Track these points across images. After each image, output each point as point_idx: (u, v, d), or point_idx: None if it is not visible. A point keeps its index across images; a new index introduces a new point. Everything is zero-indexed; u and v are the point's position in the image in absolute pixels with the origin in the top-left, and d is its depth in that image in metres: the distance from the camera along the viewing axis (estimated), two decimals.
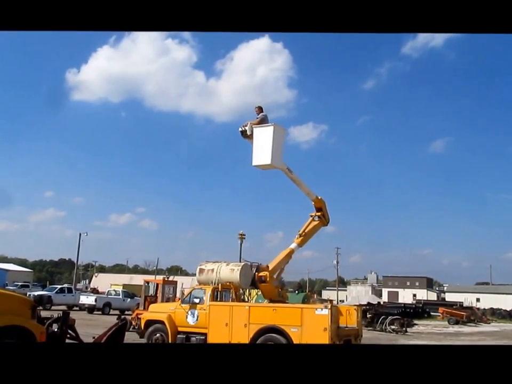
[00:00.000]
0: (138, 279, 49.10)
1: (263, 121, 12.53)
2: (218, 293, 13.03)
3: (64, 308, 28.03)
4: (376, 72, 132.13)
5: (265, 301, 13.56)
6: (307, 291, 46.65)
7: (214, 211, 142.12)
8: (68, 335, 8.05)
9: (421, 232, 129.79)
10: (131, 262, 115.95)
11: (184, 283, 30.08)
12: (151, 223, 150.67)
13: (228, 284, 13.03)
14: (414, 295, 78.06)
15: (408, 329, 26.58)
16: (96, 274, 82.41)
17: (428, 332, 27.93)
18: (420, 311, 44.15)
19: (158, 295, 21.02)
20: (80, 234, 54.45)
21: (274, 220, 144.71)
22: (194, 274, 15.55)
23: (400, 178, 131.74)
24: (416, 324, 31.63)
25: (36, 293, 26.69)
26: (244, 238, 41.54)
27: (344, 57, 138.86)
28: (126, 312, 26.33)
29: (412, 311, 41.05)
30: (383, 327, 26.51)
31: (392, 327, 26.35)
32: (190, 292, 13.42)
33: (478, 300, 67.97)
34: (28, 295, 13.82)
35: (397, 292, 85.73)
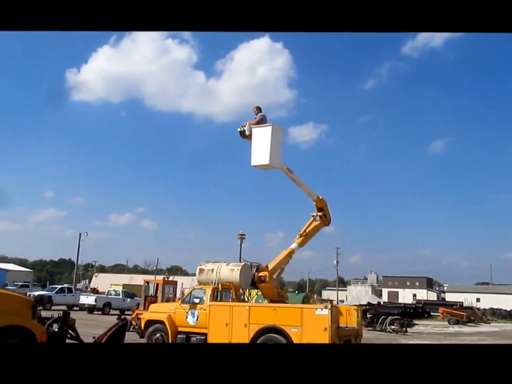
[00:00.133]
0: (138, 279, 49.10)
1: (261, 121, 12.53)
2: (218, 293, 13.02)
3: (64, 308, 28.03)
4: (376, 72, 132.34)
5: (265, 301, 13.56)
6: (307, 291, 46.61)
7: (214, 211, 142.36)
8: (68, 335, 8.05)
9: (421, 232, 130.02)
10: (131, 262, 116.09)
11: (184, 283, 30.08)
12: (151, 223, 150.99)
13: (227, 284, 13.03)
14: (414, 295, 78.03)
15: (408, 329, 26.57)
16: (96, 274, 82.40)
17: (428, 332, 27.92)
18: (420, 311, 44.12)
19: (158, 295, 21.01)
20: (80, 234, 54.54)
21: (274, 220, 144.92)
22: (194, 274, 15.54)
23: (400, 178, 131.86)
24: (416, 324, 31.62)
25: (36, 293, 26.65)
26: (244, 238, 41.56)
27: (344, 58, 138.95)
28: (126, 312, 26.32)
29: (412, 311, 41.03)
30: (383, 327, 26.51)
31: (392, 327, 26.35)
32: (190, 292, 13.42)
33: (478, 300, 67.94)
34: (27, 295, 13.81)
35: (397, 292, 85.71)
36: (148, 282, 22.66)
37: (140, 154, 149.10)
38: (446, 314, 40.01)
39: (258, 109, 12.90)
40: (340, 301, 69.91)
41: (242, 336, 11.37)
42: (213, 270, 13.21)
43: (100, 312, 30.90)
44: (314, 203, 14.13)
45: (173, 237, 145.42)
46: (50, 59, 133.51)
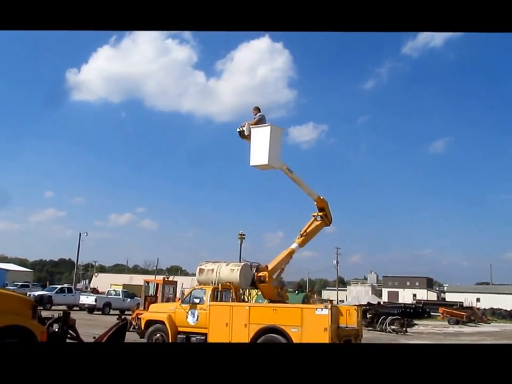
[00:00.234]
0: (138, 279, 49.12)
1: (260, 121, 12.54)
2: (218, 293, 13.03)
3: (64, 308, 28.03)
4: (376, 72, 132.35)
5: (265, 301, 13.56)
6: (307, 291, 46.63)
7: (214, 211, 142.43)
8: (69, 335, 8.05)
9: (421, 232, 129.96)
10: (131, 262, 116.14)
11: (184, 283, 30.07)
12: (151, 223, 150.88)
13: (227, 284, 13.04)
14: (414, 295, 78.03)
15: (408, 329, 26.57)
16: (96, 274, 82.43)
17: (428, 332, 27.92)
18: (420, 311, 44.11)
19: (158, 295, 21.02)
20: (80, 234, 54.55)
21: (274, 220, 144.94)
22: (194, 274, 15.54)
23: (400, 178, 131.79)
24: (416, 324, 31.62)
25: (36, 293, 26.65)
26: (244, 238, 41.55)
27: (344, 58, 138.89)
28: (126, 312, 26.32)
29: (412, 311, 41.02)
30: (383, 327, 26.51)
31: (392, 327, 26.35)
32: (190, 292, 13.42)
33: (478, 299, 67.95)
34: (28, 295, 13.81)
35: (397, 292, 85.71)
36: (148, 282, 22.66)
37: (140, 154, 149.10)
38: (446, 314, 40.01)
39: (257, 109, 12.91)
40: (340, 301, 69.91)
41: (242, 336, 11.37)
42: (213, 270, 13.22)
43: (100, 312, 30.91)
44: (315, 203, 14.13)
45: (173, 237, 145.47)
46: (51, 59, 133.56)
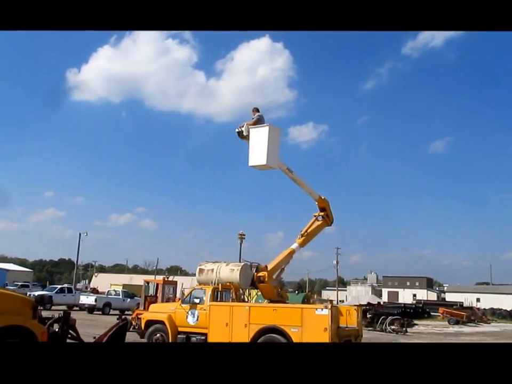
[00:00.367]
0: (138, 279, 49.17)
1: (259, 121, 12.52)
2: (219, 293, 13.02)
3: (64, 308, 28.02)
4: (376, 72, 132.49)
5: (265, 301, 13.55)
6: (307, 291, 46.60)
7: (214, 211, 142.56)
8: (69, 335, 8.04)
9: (421, 232, 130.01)
10: (131, 262, 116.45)
11: (184, 283, 30.08)
12: (151, 223, 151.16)
13: (227, 284, 13.03)
14: (414, 295, 78.04)
15: (408, 329, 26.56)
16: (96, 274, 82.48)
17: (428, 332, 27.92)
18: (420, 311, 44.11)
19: (158, 295, 21.01)
20: (80, 234, 54.57)
21: (274, 220, 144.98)
22: (194, 274, 15.53)
23: (400, 178, 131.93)
24: (416, 324, 31.61)
25: (37, 293, 26.64)
26: (244, 238, 41.57)
27: (344, 58, 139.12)
28: (126, 312, 26.32)
29: (412, 311, 41.02)
30: (383, 327, 26.50)
31: (392, 327, 26.35)
32: (190, 292, 13.41)
33: (478, 300, 67.96)
34: (28, 295, 13.81)
35: (397, 292, 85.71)
36: (148, 282, 22.65)
37: (140, 154, 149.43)
38: (446, 314, 40.01)
39: (256, 110, 12.90)
40: (340, 301, 69.93)
41: (242, 336, 11.36)
42: (212, 270, 13.21)
43: (100, 312, 30.90)
44: (316, 203, 14.12)
45: (173, 237, 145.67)
46: (51, 59, 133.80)
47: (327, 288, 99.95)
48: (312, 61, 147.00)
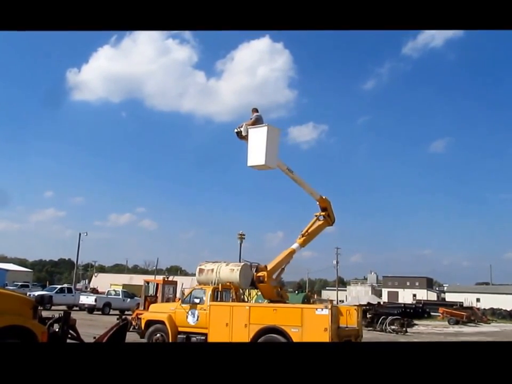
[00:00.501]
0: (138, 279, 49.12)
1: (257, 121, 12.53)
2: (219, 293, 13.02)
3: (64, 308, 28.01)
4: (376, 73, 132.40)
5: (265, 301, 13.56)
6: (307, 291, 46.62)
7: (214, 211, 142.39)
8: (69, 335, 8.04)
9: (421, 232, 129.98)
10: (131, 262, 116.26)
11: (184, 283, 30.08)
12: (151, 223, 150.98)
13: (227, 284, 13.03)
14: (414, 295, 78.01)
15: (408, 329, 26.56)
16: (95, 274, 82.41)
17: (428, 332, 27.93)
18: (420, 311, 44.09)
19: (158, 295, 21.00)
20: (80, 234, 54.58)
21: (274, 220, 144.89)
22: (194, 274, 15.54)
23: (400, 178, 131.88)
24: (416, 324, 31.60)
25: (37, 293, 26.65)
26: (244, 238, 41.56)
27: (344, 58, 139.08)
28: (126, 312, 26.31)
29: (412, 311, 41.00)
30: (383, 327, 26.50)
31: (392, 327, 26.34)
32: (190, 292, 13.41)
33: (478, 300, 67.94)
34: (27, 295, 13.82)
35: (397, 292, 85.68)
36: (148, 282, 22.64)
37: (140, 154, 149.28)
38: (446, 315, 40.02)
39: (255, 110, 12.92)
40: (340, 301, 69.91)
41: (243, 336, 11.36)
42: (212, 270, 13.21)
43: (100, 312, 30.89)
44: (317, 203, 14.12)
45: (173, 237, 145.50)
46: (51, 59, 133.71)
47: (327, 288, 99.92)
48: (312, 61, 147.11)
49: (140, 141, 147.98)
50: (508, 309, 51.92)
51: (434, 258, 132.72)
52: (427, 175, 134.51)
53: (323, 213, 14.14)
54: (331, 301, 20.18)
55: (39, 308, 7.73)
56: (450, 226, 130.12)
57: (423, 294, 79.05)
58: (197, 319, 12.74)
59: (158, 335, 13.27)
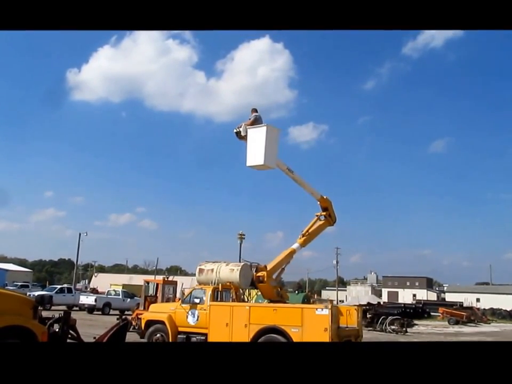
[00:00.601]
0: (137, 279, 49.08)
1: (256, 121, 12.52)
2: (219, 293, 13.02)
3: (64, 308, 28.01)
4: (376, 73, 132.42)
5: (265, 301, 13.55)
6: (307, 291, 46.63)
7: (214, 211, 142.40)
8: (69, 335, 8.05)
9: (421, 232, 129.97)
10: (130, 262, 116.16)
11: (184, 283, 30.08)
12: (151, 223, 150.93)
13: (227, 284, 13.03)
14: (414, 295, 78.02)
15: (408, 329, 26.56)
16: (95, 274, 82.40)
17: (428, 332, 27.93)
18: (420, 311, 44.10)
19: (158, 295, 21.00)
20: (80, 234, 54.55)
21: (274, 220, 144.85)
22: (194, 274, 15.54)
23: (400, 178, 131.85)
24: (416, 324, 31.60)
25: (37, 293, 26.64)
26: (244, 238, 41.55)
27: (344, 58, 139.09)
28: (126, 312, 26.30)
29: (411, 311, 41.00)
30: (383, 327, 26.50)
31: (392, 327, 26.34)
32: (190, 292, 13.41)
33: (478, 300, 67.95)
34: (27, 295, 13.82)
35: (397, 292, 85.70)
36: (147, 282, 22.63)
37: (140, 154, 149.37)
38: (446, 315, 40.02)
39: (255, 110, 12.91)
40: (340, 301, 69.92)
41: (243, 336, 11.36)
42: (212, 270, 13.21)
43: (100, 312, 30.89)
44: (318, 203, 14.11)
45: (173, 237, 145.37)
46: (51, 59, 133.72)
47: (327, 288, 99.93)
48: (312, 61, 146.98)
49: (140, 141, 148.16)
50: (508, 309, 51.92)
51: (434, 258, 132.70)
52: (427, 175, 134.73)
53: (324, 213, 14.13)
54: (331, 301, 20.19)
55: (39, 308, 7.73)
56: (450, 226, 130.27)
57: (423, 294, 79.07)
58: (197, 319, 12.74)
59: (158, 335, 13.27)
